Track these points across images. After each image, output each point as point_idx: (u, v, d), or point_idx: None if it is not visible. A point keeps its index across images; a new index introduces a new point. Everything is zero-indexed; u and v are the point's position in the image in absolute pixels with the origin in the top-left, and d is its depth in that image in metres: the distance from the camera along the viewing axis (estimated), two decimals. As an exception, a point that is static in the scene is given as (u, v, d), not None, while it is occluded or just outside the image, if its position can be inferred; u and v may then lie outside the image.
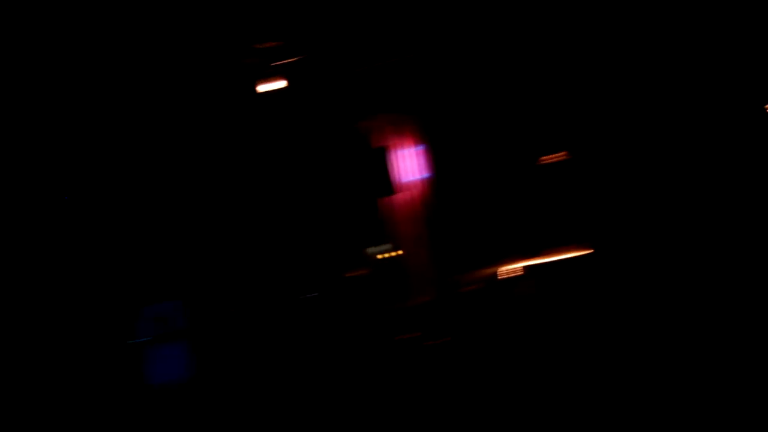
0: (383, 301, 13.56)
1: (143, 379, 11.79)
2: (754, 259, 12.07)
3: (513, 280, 13.57)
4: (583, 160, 13.52)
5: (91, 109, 12.03)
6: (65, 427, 10.93)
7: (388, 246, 13.96)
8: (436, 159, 14.12)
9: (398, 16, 12.83)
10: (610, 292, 12.66)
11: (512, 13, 13.02)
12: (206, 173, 12.99)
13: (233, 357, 12.36)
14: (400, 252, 13.90)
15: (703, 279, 12.01)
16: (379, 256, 13.81)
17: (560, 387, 10.86)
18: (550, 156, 13.73)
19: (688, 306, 11.76)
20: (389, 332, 13.13)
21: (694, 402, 9.59)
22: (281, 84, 12.88)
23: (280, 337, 12.77)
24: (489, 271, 13.75)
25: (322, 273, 13.46)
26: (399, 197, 13.87)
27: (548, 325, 12.75)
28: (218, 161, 13.11)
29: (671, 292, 12.12)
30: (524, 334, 12.70)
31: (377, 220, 13.79)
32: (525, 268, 13.61)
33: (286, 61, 12.97)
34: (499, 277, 13.65)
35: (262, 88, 12.89)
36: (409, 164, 14.06)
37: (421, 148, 14.16)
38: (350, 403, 11.69)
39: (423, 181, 14.10)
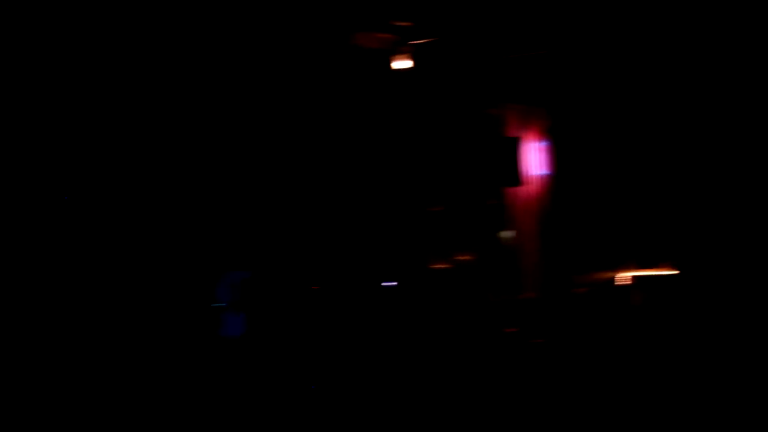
0: (491, 290, 13.61)
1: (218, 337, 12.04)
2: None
3: (622, 289, 13.52)
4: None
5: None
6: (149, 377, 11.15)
7: (505, 236, 14.00)
8: (560, 156, 14.07)
9: (538, 10, 12.72)
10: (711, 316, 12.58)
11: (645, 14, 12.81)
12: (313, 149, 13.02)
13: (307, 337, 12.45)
14: (515, 244, 13.93)
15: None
16: (496, 245, 13.87)
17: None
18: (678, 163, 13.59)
19: None
20: (494, 323, 13.18)
21: None
22: (409, 64, 12.87)
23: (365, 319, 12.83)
24: (599, 275, 13.72)
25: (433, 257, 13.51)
26: (522, 190, 13.88)
27: (651, 340, 12.72)
28: (329, 140, 13.12)
29: None
30: (626, 346, 12.67)
31: (500, 208, 13.85)
32: (636, 278, 13.54)
33: (418, 41, 12.94)
34: (609, 284, 13.61)
35: (394, 65, 12.89)
36: (534, 158, 14.04)
37: (546, 144, 14.12)
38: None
39: (545, 176, 14.08)
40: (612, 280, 13.59)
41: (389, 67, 12.91)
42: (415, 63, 12.86)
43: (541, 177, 14.09)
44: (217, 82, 12.21)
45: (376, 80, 13.18)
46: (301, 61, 12.72)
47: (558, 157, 14.08)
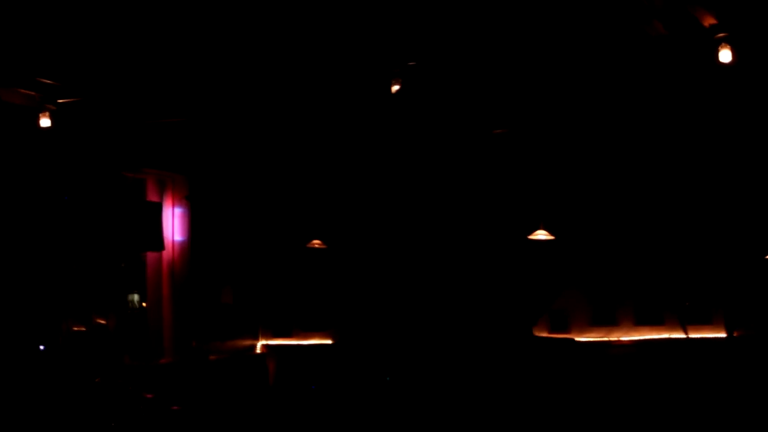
0: (126, 353, 13.61)
1: None
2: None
3: (257, 357, 14.02)
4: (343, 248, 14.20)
5: None
6: None
7: (140, 300, 14.04)
8: (198, 222, 14.34)
9: (180, 78, 12.84)
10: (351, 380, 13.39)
11: (291, 86, 13.20)
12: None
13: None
14: (149, 309, 14.01)
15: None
16: (129, 309, 13.87)
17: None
18: (317, 241, 14.29)
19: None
20: (131, 388, 13.16)
21: None
22: (47, 123, 12.55)
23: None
24: (234, 343, 14.11)
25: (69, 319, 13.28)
26: (159, 254, 14.01)
27: (289, 406, 13.32)
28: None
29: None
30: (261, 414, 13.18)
31: (135, 271, 13.86)
32: (269, 347, 14.08)
33: (62, 100, 12.71)
34: (245, 352, 14.04)
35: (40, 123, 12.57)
36: (172, 223, 14.22)
37: (185, 209, 14.34)
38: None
39: (182, 242, 14.30)
40: (249, 348, 14.07)
41: (35, 124, 12.58)
42: (56, 122, 12.59)
43: (179, 242, 14.32)
44: None
45: (19, 137, 12.78)
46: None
47: (195, 222, 14.35)
